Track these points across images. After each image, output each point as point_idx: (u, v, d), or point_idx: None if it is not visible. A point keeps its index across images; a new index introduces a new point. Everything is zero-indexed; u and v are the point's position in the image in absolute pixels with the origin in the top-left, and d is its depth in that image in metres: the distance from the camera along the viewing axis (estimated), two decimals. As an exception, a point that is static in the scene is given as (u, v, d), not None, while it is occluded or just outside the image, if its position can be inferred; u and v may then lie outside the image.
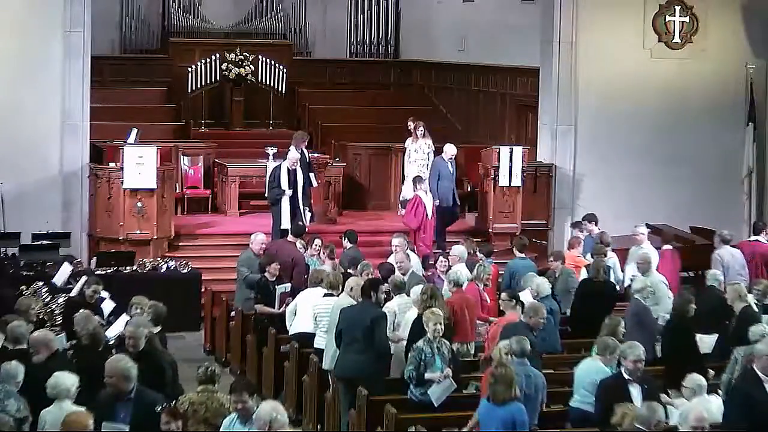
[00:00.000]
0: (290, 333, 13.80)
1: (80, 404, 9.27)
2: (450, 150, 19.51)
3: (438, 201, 18.91)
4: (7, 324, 10.86)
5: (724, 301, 13.63)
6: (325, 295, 13.47)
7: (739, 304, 13.32)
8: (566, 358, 12.92)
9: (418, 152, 20.33)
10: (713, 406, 10.52)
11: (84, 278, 14.22)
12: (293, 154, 18.47)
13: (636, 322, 13.10)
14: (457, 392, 11.53)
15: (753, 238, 17.23)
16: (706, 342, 12.90)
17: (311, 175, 18.97)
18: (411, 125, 20.73)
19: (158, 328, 11.67)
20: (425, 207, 18.38)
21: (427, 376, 11.34)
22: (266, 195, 18.63)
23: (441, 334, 11.46)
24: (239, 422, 9.15)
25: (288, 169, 18.26)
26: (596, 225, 17.51)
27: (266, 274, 14.74)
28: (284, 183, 18.15)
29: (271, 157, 20.64)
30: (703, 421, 9.29)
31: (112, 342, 12.04)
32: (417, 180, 18.96)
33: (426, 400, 11.36)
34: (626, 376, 10.55)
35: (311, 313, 13.51)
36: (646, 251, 15.83)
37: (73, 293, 14.30)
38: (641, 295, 13.46)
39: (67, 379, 9.32)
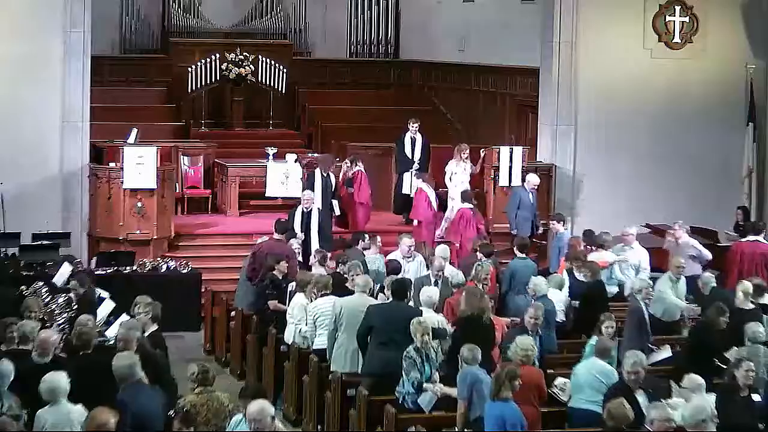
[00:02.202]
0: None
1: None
2: (533, 180, 19.07)
3: (515, 230, 18.53)
4: (12, 324, 10.90)
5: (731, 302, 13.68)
6: (322, 295, 13.43)
7: (747, 303, 13.33)
8: (566, 359, 12.91)
9: (465, 173, 19.73)
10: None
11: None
12: (308, 194, 17.76)
13: (632, 321, 13.12)
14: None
15: (753, 238, 17.21)
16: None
17: (334, 202, 18.71)
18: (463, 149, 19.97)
19: (155, 327, 11.67)
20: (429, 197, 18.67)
21: (424, 386, 11.37)
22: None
23: (429, 344, 11.48)
24: (246, 424, 9.10)
25: (303, 212, 17.49)
26: (563, 225, 17.42)
27: (275, 272, 14.68)
28: (297, 226, 17.32)
29: (271, 157, 20.62)
30: (711, 419, 9.29)
31: (111, 342, 12.03)
32: (417, 174, 19.25)
33: (415, 407, 11.36)
34: (629, 384, 10.53)
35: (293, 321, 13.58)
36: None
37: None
38: (641, 296, 13.47)
39: (62, 379, 9.32)
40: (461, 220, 18.15)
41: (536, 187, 19.06)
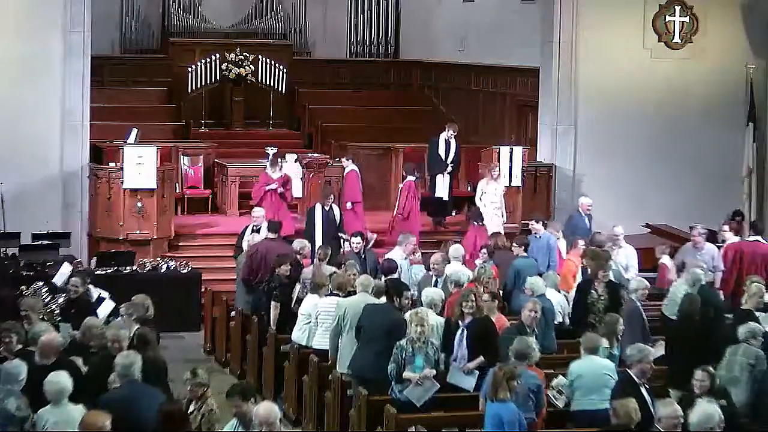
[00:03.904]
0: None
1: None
2: (586, 202, 18.40)
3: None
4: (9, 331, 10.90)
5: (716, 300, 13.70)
6: (330, 294, 13.43)
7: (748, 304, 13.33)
8: (566, 359, 12.88)
9: (496, 194, 19.18)
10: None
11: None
12: (258, 211, 17.24)
13: (631, 322, 13.10)
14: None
15: (753, 238, 17.22)
16: None
17: (341, 234, 17.85)
18: (489, 168, 19.52)
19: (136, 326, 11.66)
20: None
21: (405, 375, 11.35)
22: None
23: (425, 336, 11.47)
24: (241, 426, 9.07)
25: (252, 229, 16.94)
26: (544, 226, 17.33)
27: (278, 274, 14.65)
28: (245, 244, 16.78)
29: (270, 157, 20.59)
30: (718, 425, 9.24)
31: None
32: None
33: (403, 399, 11.34)
34: (636, 379, 10.52)
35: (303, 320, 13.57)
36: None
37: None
38: (636, 296, 13.47)
39: (65, 379, 9.34)
40: (408, 192, 18.87)
41: (590, 209, 18.30)
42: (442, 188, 20.07)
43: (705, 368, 10.64)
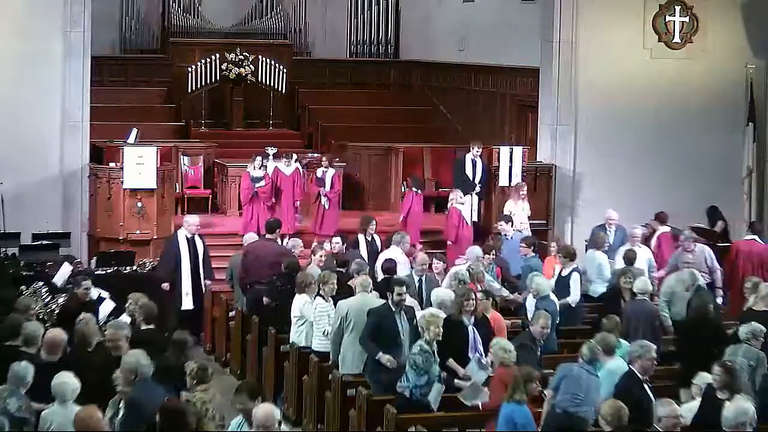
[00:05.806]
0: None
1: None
2: (610, 216, 17.52)
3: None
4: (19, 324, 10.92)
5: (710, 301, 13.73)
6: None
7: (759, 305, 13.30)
8: (566, 359, 12.87)
9: (524, 213, 18.80)
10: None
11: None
12: (193, 218, 16.95)
13: (648, 322, 13.10)
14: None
15: (750, 237, 17.23)
16: None
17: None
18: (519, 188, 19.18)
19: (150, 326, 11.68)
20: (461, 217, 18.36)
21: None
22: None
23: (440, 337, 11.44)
24: (246, 425, 9.08)
25: (186, 238, 16.68)
26: (512, 225, 17.23)
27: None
28: (184, 252, 16.60)
29: (270, 158, 20.60)
30: (751, 422, 9.20)
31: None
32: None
33: (415, 400, 11.28)
34: (639, 375, 10.51)
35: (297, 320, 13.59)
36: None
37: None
38: (648, 296, 13.47)
39: (72, 380, 9.34)
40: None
41: (614, 222, 17.51)
42: (469, 210, 19.52)
43: (723, 363, 10.57)
